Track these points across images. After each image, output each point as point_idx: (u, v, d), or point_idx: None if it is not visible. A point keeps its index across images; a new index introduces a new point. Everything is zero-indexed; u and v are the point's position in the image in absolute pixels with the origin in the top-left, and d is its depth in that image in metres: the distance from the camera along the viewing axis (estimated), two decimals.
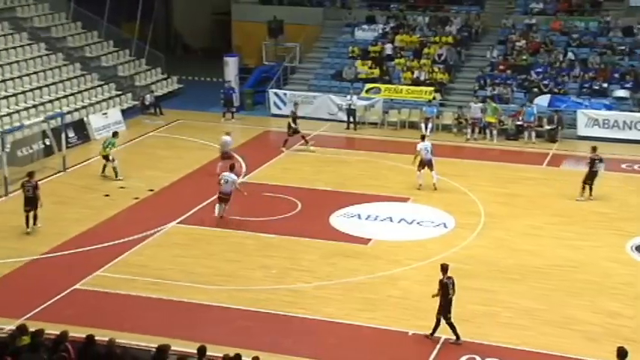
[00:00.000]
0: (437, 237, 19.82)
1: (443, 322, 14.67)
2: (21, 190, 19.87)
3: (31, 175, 19.94)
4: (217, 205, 20.35)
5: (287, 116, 30.29)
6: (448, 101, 30.35)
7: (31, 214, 19.57)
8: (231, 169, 20.79)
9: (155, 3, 35.02)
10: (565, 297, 16.68)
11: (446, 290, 14.51)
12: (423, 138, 23.45)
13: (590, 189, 21.91)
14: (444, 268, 14.70)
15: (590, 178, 21.89)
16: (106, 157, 23.55)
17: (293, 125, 26.59)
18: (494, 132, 27.90)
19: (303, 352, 14.48)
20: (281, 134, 28.73)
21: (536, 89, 29.63)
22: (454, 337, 14.75)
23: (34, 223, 19.71)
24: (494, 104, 28.19)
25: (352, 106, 29.25)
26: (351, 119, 29.34)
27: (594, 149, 22.15)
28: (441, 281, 14.64)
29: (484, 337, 15.03)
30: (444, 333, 15.06)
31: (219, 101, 30.99)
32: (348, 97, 29.43)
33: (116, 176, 23.43)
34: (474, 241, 19.52)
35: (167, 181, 23.52)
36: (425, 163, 22.66)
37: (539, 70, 30.29)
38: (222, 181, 20.16)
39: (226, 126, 30.11)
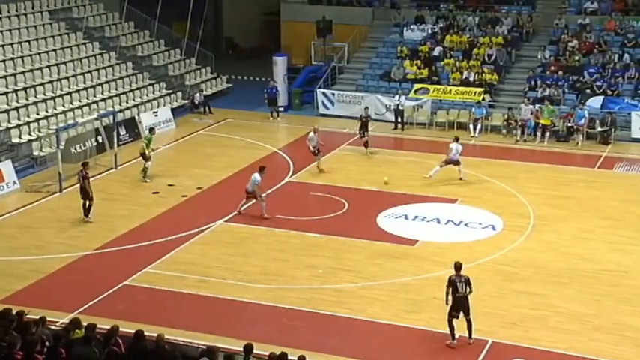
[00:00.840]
0: (484, 239, 19.64)
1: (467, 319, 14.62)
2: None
3: (84, 165, 20.68)
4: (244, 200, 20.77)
5: (335, 116, 30.51)
6: (497, 102, 30.02)
7: (87, 204, 20.23)
8: (260, 170, 20.72)
9: (206, 3, 35.36)
10: (615, 302, 16.37)
11: (455, 288, 14.36)
12: (456, 139, 23.54)
13: None
14: (457, 267, 14.56)
15: None
16: (142, 155, 23.41)
17: (362, 130, 26.16)
18: (547, 134, 27.51)
19: (348, 351, 14.49)
20: (328, 134, 28.82)
21: (588, 90, 29.12)
22: (451, 338, 14.59)
23: (86, 215, 20.23)
24: (551, 106, 27.78)
25: (400, 107, 29.15)
26: (399, 119, 29.24)
27: None
28: (449, 277, 14.50)
29: (533, 341, 14.86)
30: (491, 336, 14.95)
31: (263, 101, 31.16)
32: (396, 97, 29.33)
33: (144, 177, 23.26)
34: (523, 244, 19.30)
35: (215, 180, 23.76)
36: (451, 162, 23.08)
37: (592, 70, 29.75)
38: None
39: (273, 125, 30.39)
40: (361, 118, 26.32)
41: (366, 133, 26.15)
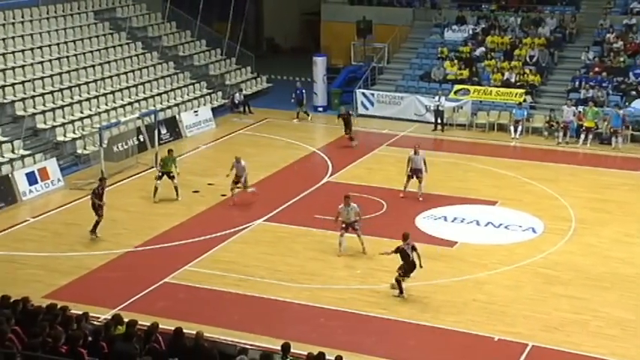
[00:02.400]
0: (524, 241, 19.46)
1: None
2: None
3: (101, 180, 19.75)
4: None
5: (374, 117, 30.51)
6: (539, 104, 29.69)
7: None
8: (346, 200, 18.75)
9: (247, 4, 35.57)
10: None
11: (405, 255, 16.30)
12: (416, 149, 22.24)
13: None
14: (404, 236, 16.48)
15: None
16: (163, 175, 21.92)
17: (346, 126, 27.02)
18: (590, 136, 27.13)
19: (385, 352, 14.48)
20: (367, 134, 28.88)
21: (634, 92, 28.64)
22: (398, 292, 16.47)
23: (92, 231, 19.34)
24: (595, 108, 27.39)
25: (440, 107, 29.01)
26: (439, 120, 29.10)
27: None
28: (398, 247, 16.38)
29: (573, 346, 14.70)
30: (531, 340, 14.82)
31: (291, 101, 31.18)
32: (436, 98, 29.19)
33: (154, 195, 21.87)
34: (564, 247, 19.08)
35: (254, 179, 23.83)
36: (415, 172, 21.86)
37: (638, 72, 29.25)
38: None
39: (312, 125, 30.46)
40: (341, 116, 27.21)
41: (348, 130, 26.79)
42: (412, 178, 21.91)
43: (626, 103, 28.03)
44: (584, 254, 18.67)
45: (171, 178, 22.01)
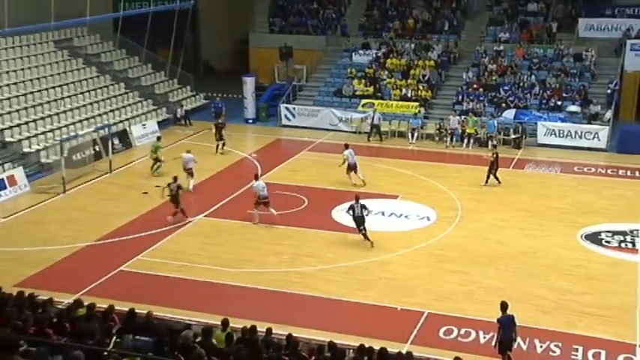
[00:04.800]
0: (421, 228, 19.89)
1: None
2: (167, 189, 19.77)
3: (175, 178, 19.92)
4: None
5: (296, 127, 30.58)
6: (431, 114, 30.41)
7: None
8: (256, 178, 20.25)
9: (186, 32, 35.10)
10: (525, 277, 16.79)
11: (353, 210, 17.95)
12: (346, 146, 22.98)
13: None
14: (356, 197, 18.27)
15: None
16: (156, 159, 23.94)
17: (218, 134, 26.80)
18: (472, 141, 28.01)
19: (309, 323, 14.55)
20: (290, 141, 28.95)
21: (504, 104, 29.72)
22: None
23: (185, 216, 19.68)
24: (475, 117, 28.26)
25: (375, 121, 28.63)
26: (374, 131, 28.74)
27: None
28: (350, 204, 18.10)
29: (461, 311, 15.15)
30: (427, 308, 15.22)
31: (211, 114, 30.77)
32: (370, 112, 29.01)
33: (156, 169, 23.80)
34: (452, 232, 19.62)
35: (196, 181, 23.61)
36: (351, 167, 22.54)
37: (507, 88, 30.36)
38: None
39: (243, 135, 30.30)
40: (217, 125, 26.98)
41: (221, 137, 26.64)
42: (351, 171, 22.45)
43: (499, 113, 29.03)
44: (468, 237, 19.23)
45: (161, 161, 23.77)
